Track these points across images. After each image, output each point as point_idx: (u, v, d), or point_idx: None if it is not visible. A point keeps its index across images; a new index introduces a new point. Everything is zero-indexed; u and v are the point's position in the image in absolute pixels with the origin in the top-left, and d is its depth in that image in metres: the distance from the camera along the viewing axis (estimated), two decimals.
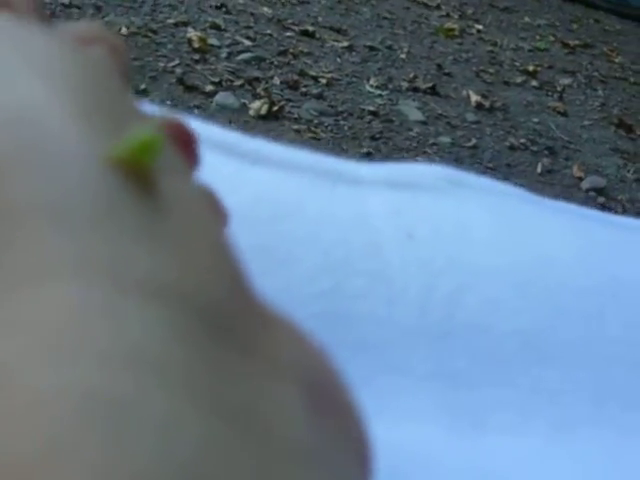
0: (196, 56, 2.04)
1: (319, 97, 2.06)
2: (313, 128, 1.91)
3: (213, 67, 2.02)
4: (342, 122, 1.98)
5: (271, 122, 1.86)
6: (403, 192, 0.43)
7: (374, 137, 1.96)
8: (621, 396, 0.37)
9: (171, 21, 2.18)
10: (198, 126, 0.41)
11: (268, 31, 2.33)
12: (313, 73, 2.16)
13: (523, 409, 0.34)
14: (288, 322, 0.17)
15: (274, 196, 0.39)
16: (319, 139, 1.88)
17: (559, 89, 2.56)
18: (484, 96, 2.31)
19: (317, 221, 0.39)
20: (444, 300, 0.37)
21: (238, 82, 2.00)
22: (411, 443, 0.33)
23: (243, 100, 1.91)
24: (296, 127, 1.88)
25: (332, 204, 0.40)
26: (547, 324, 0.39)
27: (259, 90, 1.98)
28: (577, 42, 3.12)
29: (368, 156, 1.87)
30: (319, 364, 0.17)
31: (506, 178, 1.81)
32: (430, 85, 2.27)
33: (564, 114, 2.40)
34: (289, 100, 1.99)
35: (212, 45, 2.13)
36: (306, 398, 0.15)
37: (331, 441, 0.15)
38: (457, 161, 1.92)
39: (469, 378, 0.36)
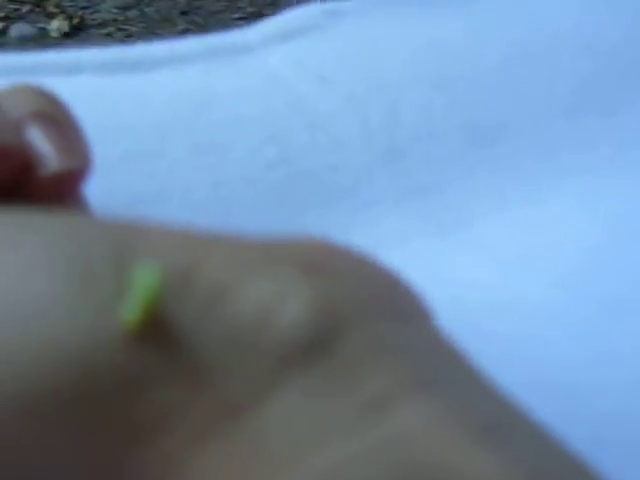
0: None
1: None
2: (122, 26, 1.82)
3: None
4: (147, 9, 1.90)
5: (79, 36, 1.77)
6: (294, 41, 0.42)
7: (184, 12, 1.89)
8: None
9: None
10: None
11: None
12: None
13: (499, 190, 0.36)
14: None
15: (181, 95, 0.38)
16: (132, 34, 1.80)
17: None
18: None
19: (231, 100, 0.38)
20: (384, 124, 0.38)
21: (25, 9, 1.87)
22: (411, 263, 0.34)
23: (39, 25, 1.80)
24: (105, 31, 1.80)
25: (237, 79, 0.39)
26: (477, 100, 0.40)
27: (50, 9, 1.86)
28: None
29: (186, 32, 1.81)
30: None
31: None
32: None
33: None
34: (86, 8, 1.88)
35: None
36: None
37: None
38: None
39: (436, 185, 0.37)
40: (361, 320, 0.16)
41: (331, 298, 0.16)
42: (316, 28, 0.44)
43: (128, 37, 1.77)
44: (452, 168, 0.37)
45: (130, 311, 0.15)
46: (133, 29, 1.82)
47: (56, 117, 0.23)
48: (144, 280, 0.15)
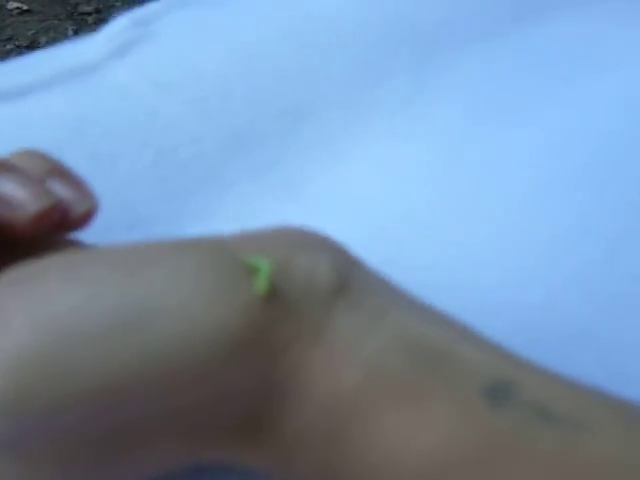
0: None
1: None
2: None
3: None
4: None
5: None
6: (128, 56, 0.49)
7: None
8: None
9: None
10: None
11: None
12: None
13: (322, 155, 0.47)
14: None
15: (56, 117, 0.44)
16: None
17: None
18: None
19: (103, 116, 0.45)
20: (221, 115, 0.47)
21: None
22: None
23: None
24: None
25: (98, 96, 0.46)
26: (289, 84, 0.49)
27: None
28: None
29: None
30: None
31: None
32: None
33: None
34: None
35: None
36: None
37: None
38: None
39: (274, 160, 0.46)
40: (350, 270, 0.28)
41: (337, 261, 0.28)
42: (135, 40, 0.50)
43: None
44: (283, 145, 0.47)
45: (261, 284, 0.26)
46: None
47: (64, 171, 0.31)
48: (264, 265, 0.26)
